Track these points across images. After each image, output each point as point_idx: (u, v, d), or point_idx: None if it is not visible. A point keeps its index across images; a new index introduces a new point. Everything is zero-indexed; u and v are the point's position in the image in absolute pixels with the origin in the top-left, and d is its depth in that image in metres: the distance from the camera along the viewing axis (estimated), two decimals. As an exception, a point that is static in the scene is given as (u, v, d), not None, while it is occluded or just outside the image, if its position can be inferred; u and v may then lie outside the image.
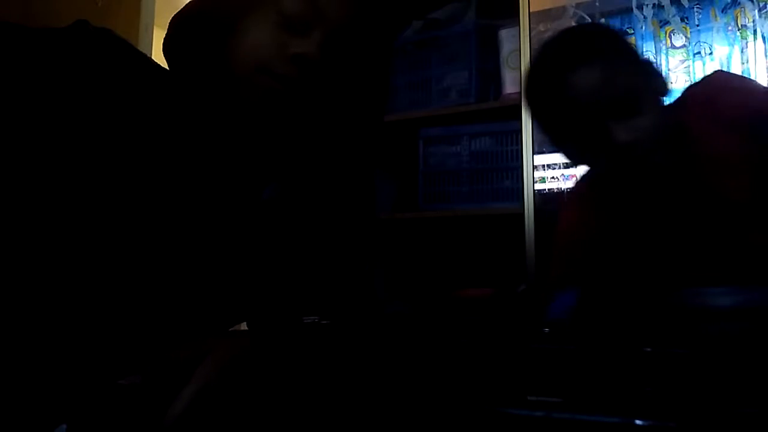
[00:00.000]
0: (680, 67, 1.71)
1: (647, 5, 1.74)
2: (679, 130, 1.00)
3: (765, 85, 1.03)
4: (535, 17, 1.85)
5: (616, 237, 1.08)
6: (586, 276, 1.11)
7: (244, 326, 0.79)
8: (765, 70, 1.58)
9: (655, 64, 1.05)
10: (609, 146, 0.93)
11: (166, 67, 0.77)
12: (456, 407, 0.48)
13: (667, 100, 1.02)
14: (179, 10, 0.77)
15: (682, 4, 1.70)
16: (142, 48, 1.72)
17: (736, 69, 1.63)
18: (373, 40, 0.77)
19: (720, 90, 1.01)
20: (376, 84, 0.84)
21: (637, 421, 0.40)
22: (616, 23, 1.80)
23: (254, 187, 0.77)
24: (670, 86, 1.02)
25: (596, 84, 0.92)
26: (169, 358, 0.58)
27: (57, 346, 0.62)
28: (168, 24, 0.77)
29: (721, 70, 1.15)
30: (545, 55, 1.02)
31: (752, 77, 1.59)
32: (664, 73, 1.02)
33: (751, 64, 1.60)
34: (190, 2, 0.77)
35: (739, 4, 1.62)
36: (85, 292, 0.64)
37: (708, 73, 1.17)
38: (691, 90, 1.08)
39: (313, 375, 0.60)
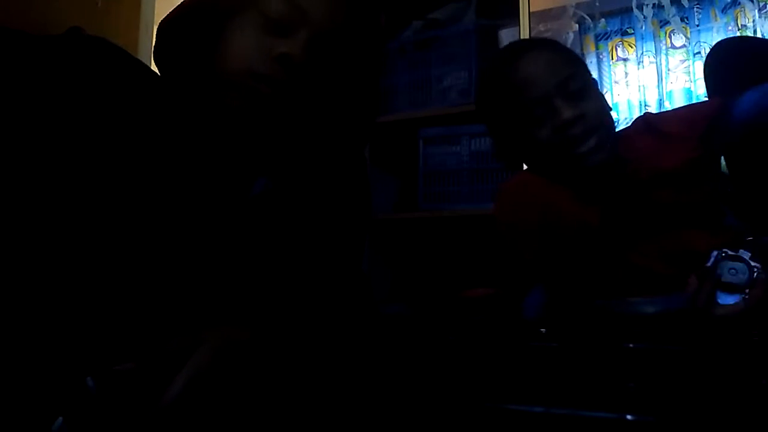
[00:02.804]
0: (680, 67, 1.71)
1: (647, 5, 1.74)
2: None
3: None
4: (535, 17, 1.85)
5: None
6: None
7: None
8: (765, 70, 1.58)
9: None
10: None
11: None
12: (457, 404, 0.49)
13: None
14: (164, 16, 0.77)
15: (682, 4, 1.70)
16: (142, 48, 1.73)
17: (736, 69, 1.63)
18: (362, 41, 0.77)
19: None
20: (365, 85, 0.84)
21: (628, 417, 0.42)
22: (616, 23, 1.80)
23: (243, 186, 0.77)
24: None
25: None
26: (163, 347, 0.58)
27: (50, 336, 0.62)
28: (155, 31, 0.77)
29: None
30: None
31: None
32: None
33: (751, 64, 1.60)
34: (174, 8, 0.77)
35: (739, 4, 1.62)
36: (77, 283, 0.64)
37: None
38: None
39: (307, 363, 0.60)
